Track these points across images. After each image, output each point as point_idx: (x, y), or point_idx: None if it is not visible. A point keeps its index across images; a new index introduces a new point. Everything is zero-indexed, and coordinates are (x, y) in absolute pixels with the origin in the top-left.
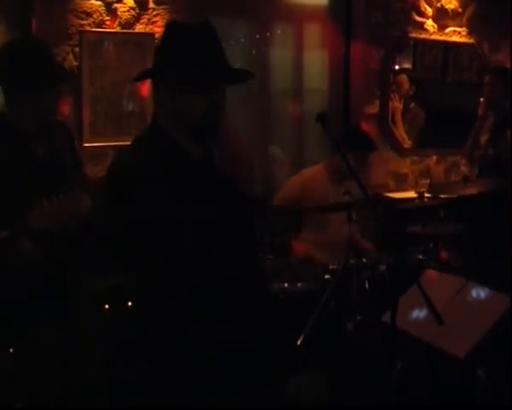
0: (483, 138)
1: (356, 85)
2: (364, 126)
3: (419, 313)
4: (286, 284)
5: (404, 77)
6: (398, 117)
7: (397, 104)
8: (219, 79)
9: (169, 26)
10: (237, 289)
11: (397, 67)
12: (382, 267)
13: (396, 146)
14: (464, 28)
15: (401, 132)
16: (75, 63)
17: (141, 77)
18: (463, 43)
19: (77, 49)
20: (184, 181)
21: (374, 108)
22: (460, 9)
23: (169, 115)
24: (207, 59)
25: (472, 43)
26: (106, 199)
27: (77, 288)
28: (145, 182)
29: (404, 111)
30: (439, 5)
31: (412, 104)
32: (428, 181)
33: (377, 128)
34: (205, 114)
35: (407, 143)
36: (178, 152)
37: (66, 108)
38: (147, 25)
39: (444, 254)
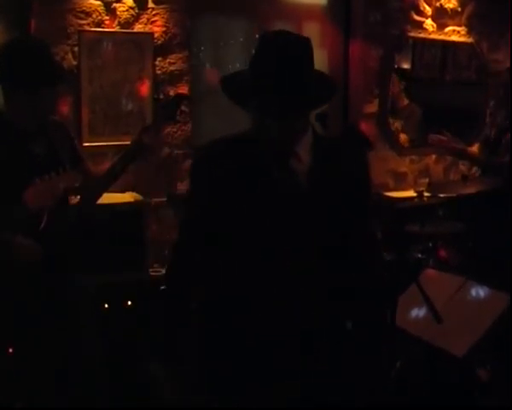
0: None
1: (355, 84)
2: (363, 126)
3: (418, 312)
4: None
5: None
6: None
7: None
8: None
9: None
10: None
11: (396, 66)
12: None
13: (395, 145)
14: (463, 27)
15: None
16: (74, 63)
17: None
18: (462, 43)
19: (76, 49)
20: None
21: (373, 107)
22: (459, 9)
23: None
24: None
25: (471, 43)
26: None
27: (76, 286)
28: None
29: (399, 108)
30: (438, 4)
31: (406, 101)
32: (427, 180)
33: (376, 127)
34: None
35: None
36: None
37: (65, 108)
38: (146, 24)
39: (443, 253)
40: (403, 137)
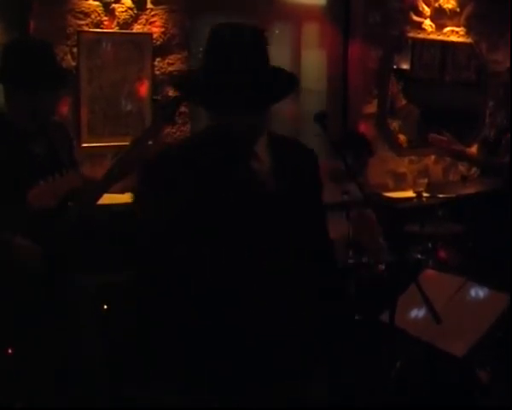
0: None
1: (354, 85)
2: (362, 126)
3: (418, 313)
4: None
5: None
6: None
7: None
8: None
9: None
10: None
11: (395, 67)
12: (381, 267)
13: (394, 146)
14: (462, 28)
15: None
16: (73, 63)
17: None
18: (461, 43)
19: (75, 50)
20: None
21: (372, 108)
22: (458, 9)
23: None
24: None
25: (470, 43)
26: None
27: (76, 286)
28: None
29: (397, 109)
30: (436, 5)
31: (404, 101)
32: (427, 180)
33: (375, 128)
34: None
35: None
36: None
37: (64, 109)
38: (145, 25)
39: (442, 254)
40: (401, 137)
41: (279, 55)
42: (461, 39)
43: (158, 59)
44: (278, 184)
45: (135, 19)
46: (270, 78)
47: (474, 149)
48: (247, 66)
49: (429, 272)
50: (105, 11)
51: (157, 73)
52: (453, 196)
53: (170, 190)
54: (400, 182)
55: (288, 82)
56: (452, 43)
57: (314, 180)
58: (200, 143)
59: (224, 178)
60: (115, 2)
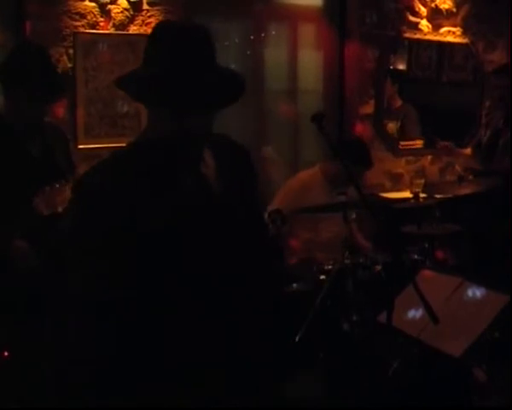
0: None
1: (350, 86)
2: (359, 127)
3: (415, 313)
4: None
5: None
6: None
7: None
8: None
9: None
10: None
11: (391, 67)
12: (378, 267)
13: (391, 146)
14: (459, 28)
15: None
16: (69, 65)
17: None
18: (458, 43)
19: (71, 51)
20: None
21: (368, 109)
22: (454, 9)
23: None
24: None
25: (466, 43)
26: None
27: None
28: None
29: (393, 109)
30: (433, 5)
31: (399, 103)
32: (423, 181)
33: (372, 128)
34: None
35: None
36: (172, 177)
37: (60, 110)
38: (141, 26)
39: (439, 254)
40: (398, 138)
41: (275, 57)
42: (457, 39)
43: None
44: (223, 187)
45: (131, 20)
46: (214, 79)
47: (468, 151)
48: (190, 65)
49: (426, 272)
50: (101, 12)
51: None
52: (450, 196)
53: (121, 208)
54: (397, 182)
55: (236, 85)
56: (449, 43)
57: (252, 178)
58: (143, 148)
59: (175, 186)
60: (111, 4)
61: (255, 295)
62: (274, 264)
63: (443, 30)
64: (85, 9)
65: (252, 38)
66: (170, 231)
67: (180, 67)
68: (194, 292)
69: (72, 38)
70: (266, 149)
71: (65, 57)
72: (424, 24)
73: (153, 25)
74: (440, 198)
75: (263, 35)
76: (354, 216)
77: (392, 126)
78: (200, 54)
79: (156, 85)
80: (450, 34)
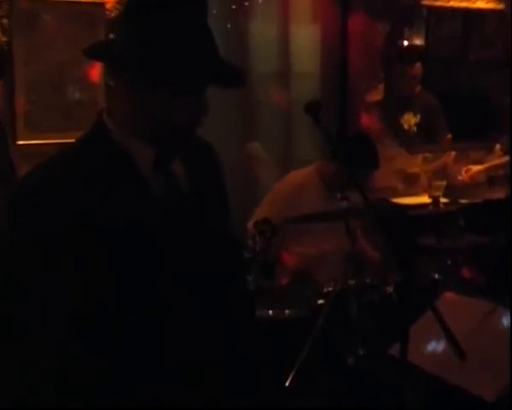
0: None
1: (355, 67)
2: (365, 118)
3: (436, 346)
4: (270, 312)
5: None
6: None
7: None
8: (214, 77)
9: None
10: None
11: (406, 43)
12: (389, 289)
13: (405, 140)
14: None
15: None
16: (4, 39)
17: (93, 54)
18: (490, 11)
19: (6, 21)
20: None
21: (377, 95)
22: None
23: (130, 120)
24: (200, 46)
25: (501, 10)
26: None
27: None
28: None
29: (410, 96)
30: None
31: (418, 88)
32: (445, 183)
33: (381, 119)
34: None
35: None
36: (133, 178)
37: None
38: None
39: (466, 273)
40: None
41: (263, 32)
42: (490, 5)
43: (112, 35)
44: (192, 188)
45: None
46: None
47: (498, 149)
48: (191, 30)
49: (449, 295)
50: None
51: None
52: (478, 201)
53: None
54: (412, 185)
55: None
56: (478, 11)
57: (221, 182)
58: (103, 143)
59: (143, 194)
60: None
61: (227, 306)
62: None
63: None
64: None
65: (233, 7)
66: (133, 235)
67: (173, 32)
68: (161, 295)
69: (7, 6)
70: (252, 145)
71: None
72: None
73: None
74: (466, 204)
75: (247, 4)
76: (359, 226)
77: (409, 119)
78: (195, 16)
79: (147, 54)
80: None
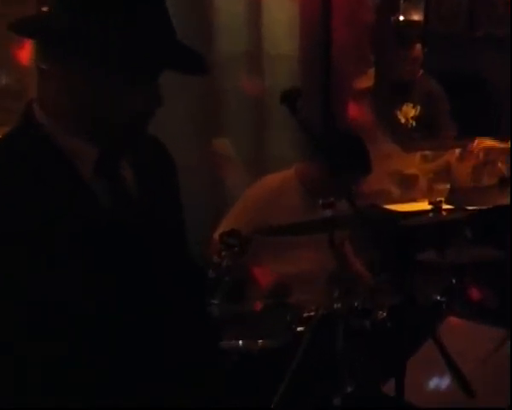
0: None
1: (340, 47)
2: (353, 109)
3: (438, 382)
4: (240, 342)
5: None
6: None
7: None
8: (172, 62)
9: None
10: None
11: (401, 19)
12: (382, 314)
13: (400, 136)
14: None
15: None
16: None
17: (22, 29)
18: None
19: None
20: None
21: (367, 81)
22: None
23: (66, 112)
24: (155, 26)
25: None
26: None
27: None
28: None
29: (404, 81)
30: None
31: (420, 72)
32: (448, 186)
33: (372, 110)
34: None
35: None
36: (70, 182)
37: None
38: None
39: (474, 294)
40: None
41: (230, 4)
42: None
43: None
44: (142, 196)
45: None
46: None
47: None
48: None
49: (454, 320)
50: None
51: None
52: (488, 207)
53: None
54: (409, 188)
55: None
56: None
57: (176, 188)
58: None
59: (88, 204)
60: None
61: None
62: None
63: None
64: None
65: None
66: (69, 246)
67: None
68: (105, 304)
69: None
70: (218, 142)
71: None
72: None
73: None
74: (474, 211)
75: None
76: (346, 239)
77: (407, 110)
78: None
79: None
80: None
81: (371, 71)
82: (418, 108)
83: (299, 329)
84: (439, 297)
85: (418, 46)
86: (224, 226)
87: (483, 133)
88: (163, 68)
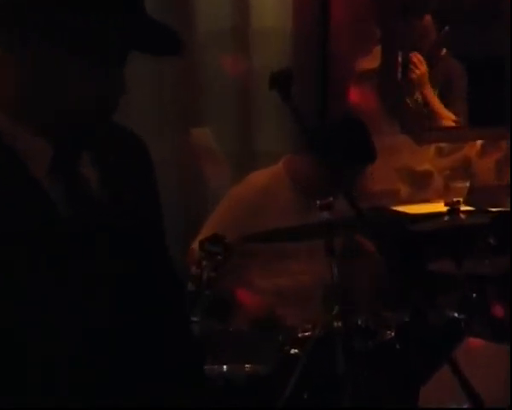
0: None
1: (339, 22)
2: (355, 94)
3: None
4: (225, 367)
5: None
6: (428, 90)
7: (422, 69)
8: (139, 41)
9: None
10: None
11: None
12: (389, 334)
13: (411, 125)
14: None
15: (441, 111)
16: None
17: None
18: None
19: None
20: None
21: (372, 61)
22: None
23: (13, 100)
24: None
25: None
26: None
27: None
28: None
29: (430, 67)
30: None
31: (444, 51)
32: (468, 184)
33: (378, 95)
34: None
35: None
36: (20, 183)
37: None
38: None
39: (497, 310)
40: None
41: None
42: None
43: None
44: (110, 197)
45: None
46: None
47: None
48: None
49: (474, 341)
50: None
51: None
52: None
53: None
54: (422, 187)
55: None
56: None
57: (152, 187)
58: None
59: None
60: None
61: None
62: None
63: None
64: None
65: None
66: (16, 258)
67: None
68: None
69: None
70: (198, 132)
71: None
72: None
73: None
74: (497, 213)
75: None
76: (345, 246)
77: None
78: None
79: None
80: None
81: (377, 49)
82: (436, 92)
83: (292, 351)
84: (456, 314)
85: (428, 18)
86: (204, 232)
87: (507, 123)
88: (129, 48)
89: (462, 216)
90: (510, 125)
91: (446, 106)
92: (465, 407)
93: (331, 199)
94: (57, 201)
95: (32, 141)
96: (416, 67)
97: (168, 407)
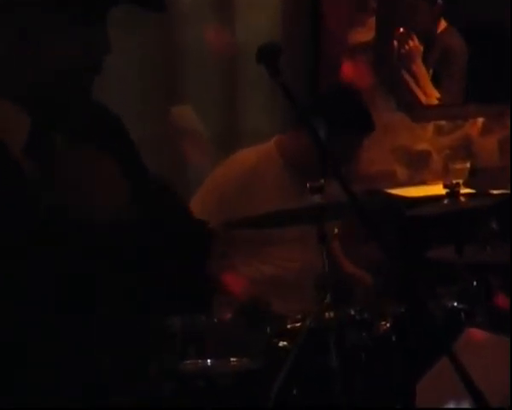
0: None
1: None
2: (348, 68)
3: (456, 405)
4: (209, 361)
5: None
6: (419, 64)
7: (414, 44)
8: None
9: None
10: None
11: None
12: (385, 325)
13: (407, 102)
14: None
15: (426, 86)
16: None
17: None
18: None
19: None
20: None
21: (366, 34)
22: None
23: None
24: None
25: None
26: None
27: None
28: None
29: (429, 42)
30: None
31: (444, 25)
32: (468, 165)
33: (373, 70)
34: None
35: (433, 100)
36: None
37: None
38: None
39: (499, 300)
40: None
41: None
42: None
43: None
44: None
45: None
46: None
47: None
48: None
49: (475, 332)
50: None
51: None
52: None
53: None
54: (419, 168)
55: None
56: None
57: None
58: None
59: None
60: None
61: None
62: None
63: None
64: None
65: None
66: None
67: None
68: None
69: None
70: (179, 110)
71: None
72: None
73: None
74: (501, 196)
75: None
76: (337, 231)
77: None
78: None
79: None
80: None
81: (371, 20)
82: (431, 71)
83: (281, 344)
84: (456, 304)
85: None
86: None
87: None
88: (111, 6)
89: (462, 199)
90: (511, 103)
91: (441, 84)
92: (465, 401)
93: (322, 181)
94: (31, 180)
95: (6, 114)
96: (405, 42)
97: (168, 407)
